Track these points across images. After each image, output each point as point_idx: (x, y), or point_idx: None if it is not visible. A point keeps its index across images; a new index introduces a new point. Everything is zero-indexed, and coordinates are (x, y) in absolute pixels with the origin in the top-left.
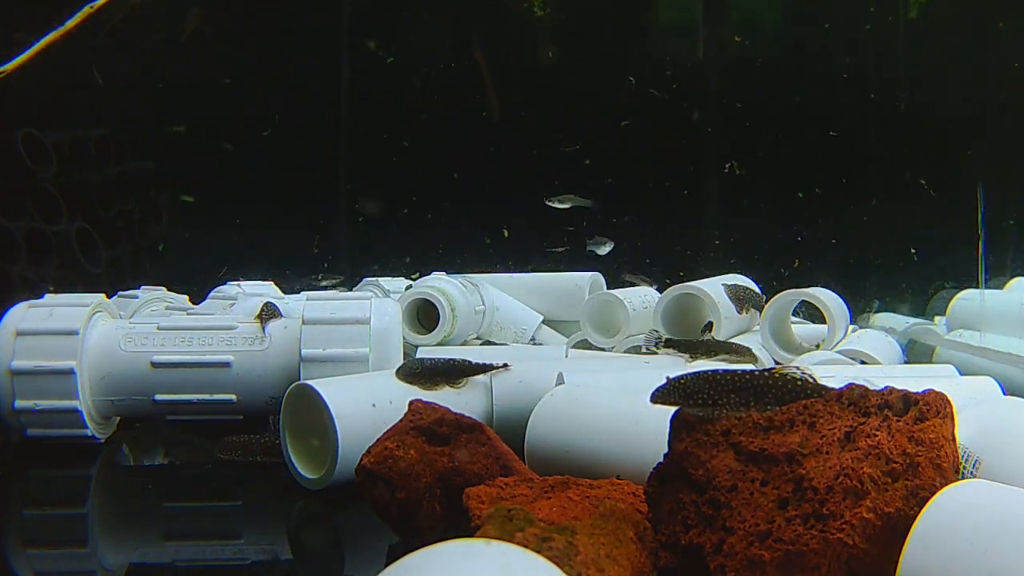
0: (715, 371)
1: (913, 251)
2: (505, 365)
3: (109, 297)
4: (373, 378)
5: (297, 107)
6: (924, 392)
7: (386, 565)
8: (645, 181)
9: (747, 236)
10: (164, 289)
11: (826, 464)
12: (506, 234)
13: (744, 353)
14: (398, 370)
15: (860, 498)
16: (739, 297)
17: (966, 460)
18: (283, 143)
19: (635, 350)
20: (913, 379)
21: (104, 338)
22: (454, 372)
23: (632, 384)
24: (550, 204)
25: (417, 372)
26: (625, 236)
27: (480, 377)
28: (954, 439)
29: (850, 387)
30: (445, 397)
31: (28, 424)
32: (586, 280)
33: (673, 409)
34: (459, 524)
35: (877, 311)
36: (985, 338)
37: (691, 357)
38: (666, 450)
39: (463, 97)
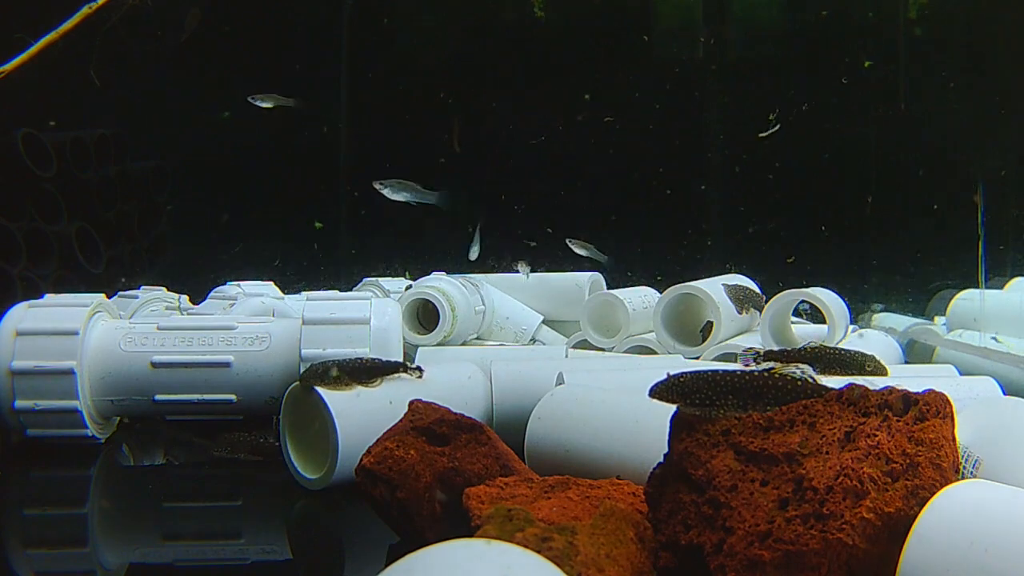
0: (715, 371)
1: (823, 228)
2: (419, 368)
3: (109, 297)
4: None
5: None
6: (924, 392)
7: (386, 565)
8: (644, 180)
9: (746, 235)
10: (164, 289)
11: (826, 464)
12: (533, 244)
13: (875, 369)
14: (301, 376)
15: (860, 498)
16: (739, 297)
17: (966, 460)
18: (282, 143)
19: (635, 350)
20: (913, 379)
21: (104, 338)
22: (363, 371)
23: (632, 384)
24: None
25: (320, 373)
26: (617, 235)
27: (480, 377)
28: (954, 439)
29: (850, 387)
30: (445, 397)
31: (28, 424)
32: (586, 280)
33: (672, 408)
34: (459, 524)
35: (879, 311)
36: (985, 338)
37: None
38: (666, 450)
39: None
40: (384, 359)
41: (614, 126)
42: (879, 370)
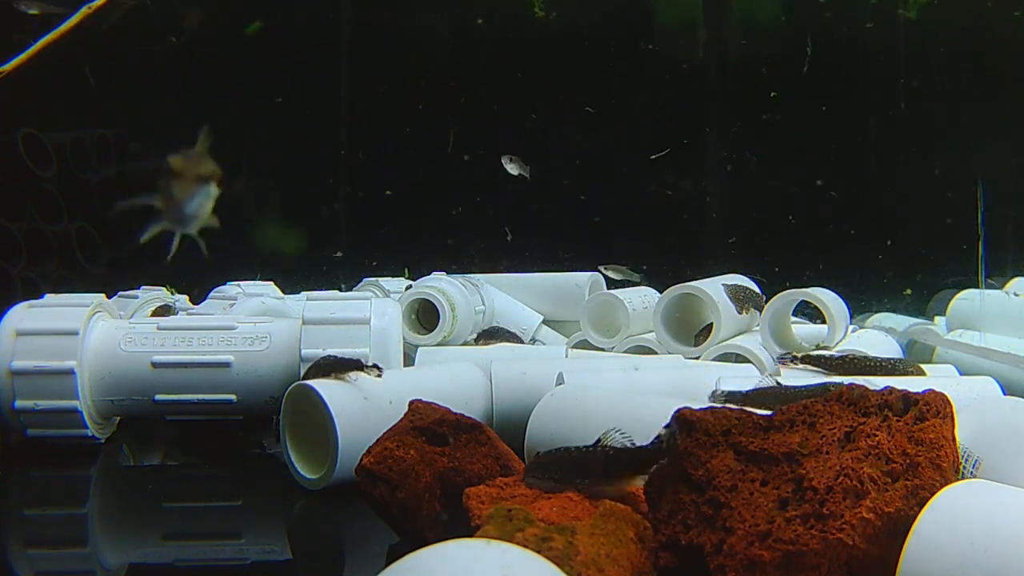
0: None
1: (793, 222)
2: (376, 367)
3: (109, 297)
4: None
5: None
6: (924, 392)
7: (386, 565)
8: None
9: (745, 234)
10: (164, 289)
11: (826, 464)
12: (509, 237)
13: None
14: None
15: (860, 498)
16: (739, 297)
17: (966, 460)
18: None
19: (635, 350)
20: (913, 379)
21: (104, 338)
22: (333, 366)
23: (632, 384)
24: None
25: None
26: (608, 234)
27: (480, 377)
28: (954, 439)
29: (850, 387)
30: (445, 397)
31: (28, 424)
32: (586, 280)
33: (673, 408)
34: (459, 524)
35: (871, 315)
36: (985, 338)
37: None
38: None
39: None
40: (339, 356)
41: (597, 115)
42: (918, 374)
